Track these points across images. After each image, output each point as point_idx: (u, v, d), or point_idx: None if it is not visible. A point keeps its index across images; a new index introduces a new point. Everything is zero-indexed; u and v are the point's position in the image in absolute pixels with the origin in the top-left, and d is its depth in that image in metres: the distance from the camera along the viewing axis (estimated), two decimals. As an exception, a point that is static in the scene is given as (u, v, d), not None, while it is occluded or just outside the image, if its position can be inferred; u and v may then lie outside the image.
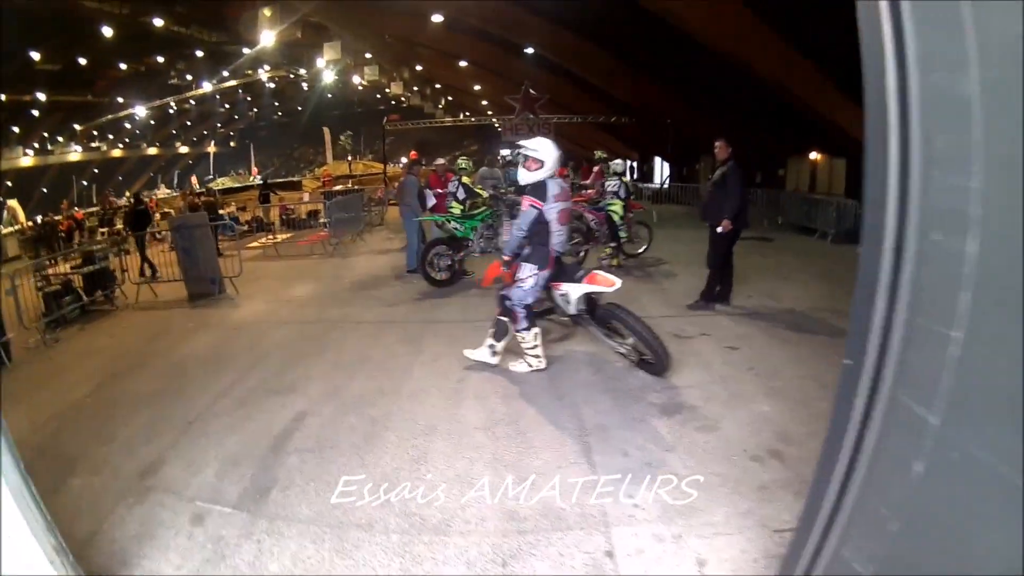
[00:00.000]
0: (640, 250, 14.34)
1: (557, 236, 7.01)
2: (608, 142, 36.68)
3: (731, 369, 7.27)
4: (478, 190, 13.43)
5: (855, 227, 15.10)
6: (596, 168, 17.52)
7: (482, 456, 5.49)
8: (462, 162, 13.95)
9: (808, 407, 6.01)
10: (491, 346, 7.55)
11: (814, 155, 22.88)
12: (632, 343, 7.15)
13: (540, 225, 6.91)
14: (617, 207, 13.18)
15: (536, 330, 7.30)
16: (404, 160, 44.82)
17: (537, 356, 7.34)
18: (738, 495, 4.63)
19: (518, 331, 7.25)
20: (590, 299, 7.34)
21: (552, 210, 6.88)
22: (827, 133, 19.35)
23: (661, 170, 38.02)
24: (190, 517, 4.80)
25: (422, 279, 12.39)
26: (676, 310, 9.79)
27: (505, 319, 7.34)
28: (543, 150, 6.92)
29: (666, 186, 30.55)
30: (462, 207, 12.74)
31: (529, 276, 6.99)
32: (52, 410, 7.28)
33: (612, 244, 13.24)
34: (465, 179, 13.24)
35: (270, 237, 21.67)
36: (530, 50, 29.70)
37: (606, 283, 6.82)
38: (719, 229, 9.12)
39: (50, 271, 13.10)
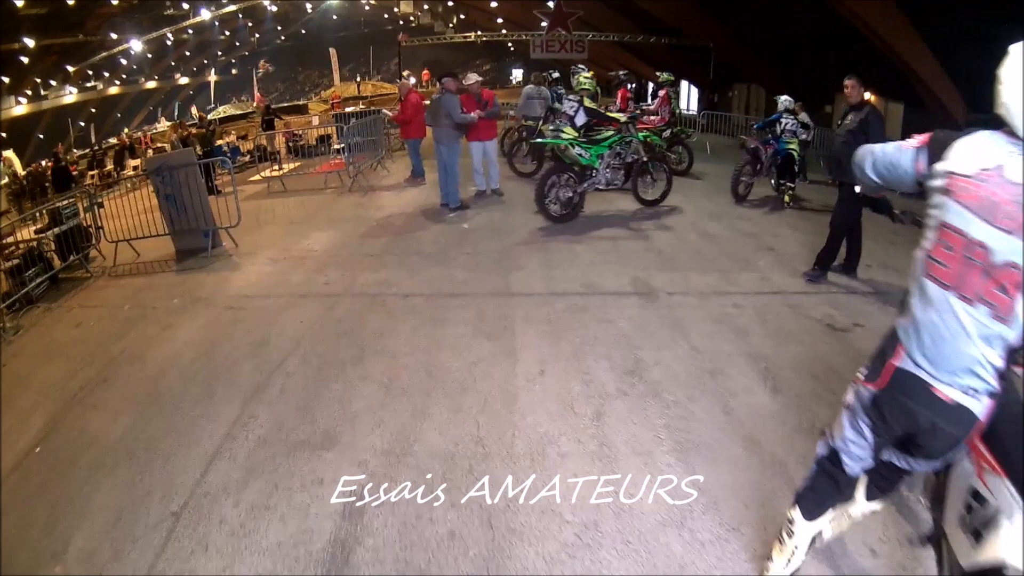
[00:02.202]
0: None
1: None
2: (630, 62, 32.96)
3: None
4: (612, 114, 11.06)
5: None
6: (662, 92, 14.53)
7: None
8: (584, 80, 11.64)
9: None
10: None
11: (868, 95, 19.07)
12: None
13: None
14: (795, 145, 11.94)
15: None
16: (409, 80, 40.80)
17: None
18: None
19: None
20: None
21: None
22: (887, 72, 16.42)
23: (689, 95, 34.31)
24: None
25: (459, 216, 10.78)
26: (798, 280, 7.57)
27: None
28: None
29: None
30: (577, 133, 10.07)
31: None
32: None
33: (790, 184, 11.81)
34: (588, 101, 10.58)
35: (275, 168, 18.03)
36: None
37: None
38: (857, 189, 6.11)
39: (10, 239, 10.17)
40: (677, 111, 15.30)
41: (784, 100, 12.36)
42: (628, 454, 4.11)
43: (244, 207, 10.18)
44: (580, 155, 9.82)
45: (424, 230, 10.08)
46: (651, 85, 31.63)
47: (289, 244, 9.81)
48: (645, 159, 10.68)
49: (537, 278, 7.68)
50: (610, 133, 10.25)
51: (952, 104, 14.74)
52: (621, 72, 15.54)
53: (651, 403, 4.76)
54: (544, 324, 6.28)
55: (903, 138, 2.65)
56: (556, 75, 15.61)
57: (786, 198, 11.66)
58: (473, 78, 11.94)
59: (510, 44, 63.30)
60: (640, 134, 10.94)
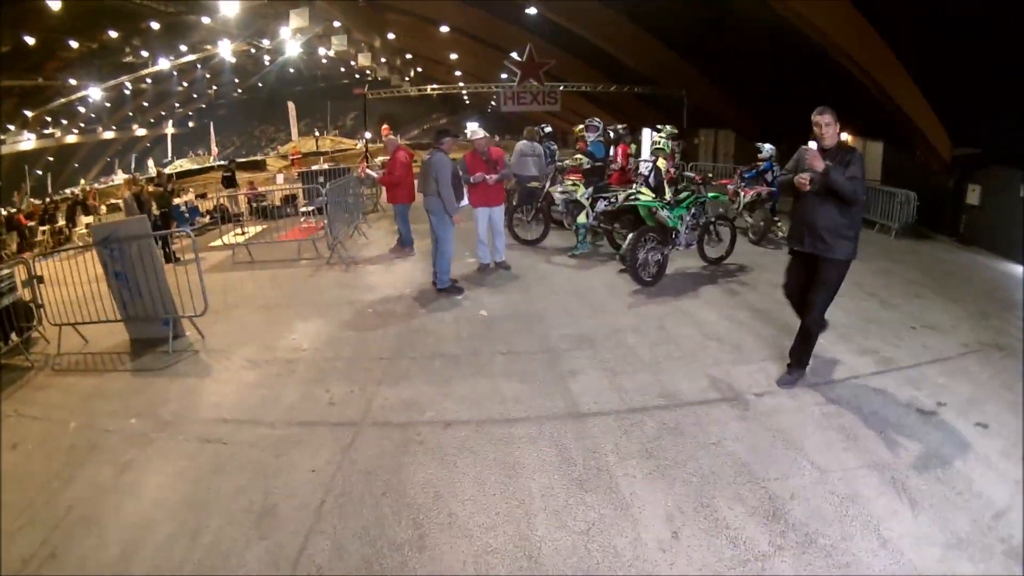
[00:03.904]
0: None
1: None
2: (594, 112, 31.47)
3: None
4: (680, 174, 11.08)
5: (917, 221, 13.82)
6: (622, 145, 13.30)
7: None
8: (660, 140, 11.07)
9: None
10: None
11: (845, 135, 18.09)
12: None
13: None
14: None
15: None
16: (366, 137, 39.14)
17: None
18: None
19: None
20: None
21: None
22: (866, 111, 15.61)
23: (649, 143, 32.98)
24: None
25: (470, 301, 9.07)
26: (867, 359, 6.78)
27: None
28: None
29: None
30: (655, 194, 9.65)
31: None
32: None
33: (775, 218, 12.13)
34: (661, 162, 10.22)
35: (239, 232, 15.97)
36: (532, 10, 24.66)
37: None
38: (838, 256, 5.71)
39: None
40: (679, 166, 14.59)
41: (768, 148, 12.68)
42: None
43: (207, 282, 8.16)
44: (668, 217, 9.35)
45: (436, 321, 8.23)
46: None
47: (269, 339, 7.86)
48: (713, 218, 10.34)
49: (603, 387, 6.11)
50: (687, 195, 9.78)
51: (937, 140, 13.82)
52: (620, 127, 14.02)
53: (812, 555, 3.86)
54: (645, 459, 4.86)
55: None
56: (548, 129, 14.16)
57: (780, 233, 12.11)
58: (479, 133, 10.20)
59: (465, 97, 62.57)
60: (710, 194, 10.50)
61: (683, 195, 9.78)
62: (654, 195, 9.55)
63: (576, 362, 6.69)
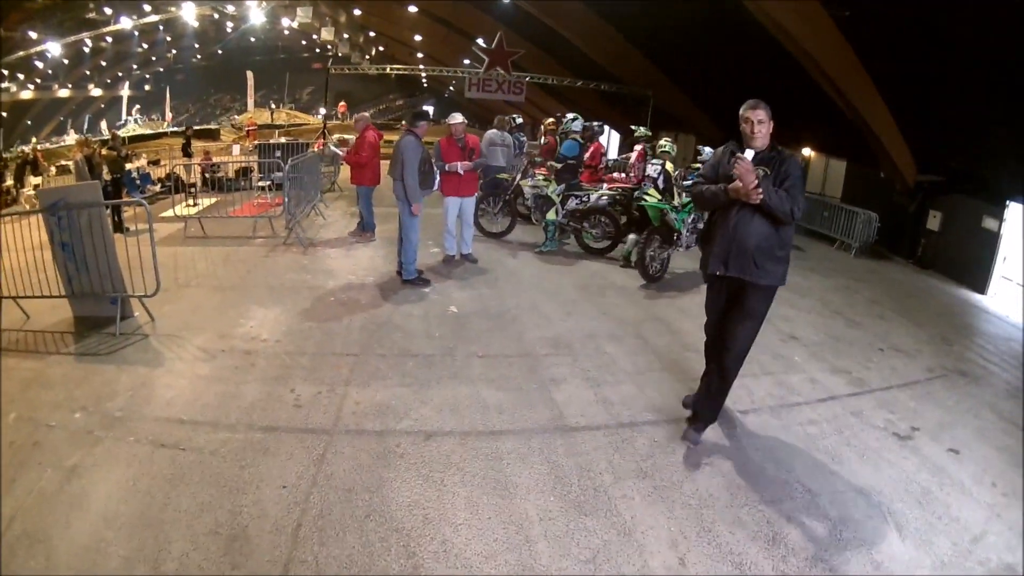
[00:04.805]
0: None
1: None
2: (555, 106, 31.46)
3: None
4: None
5: (877, 241, 14.18)
6: (639, 148, 12.66)
7: None
8: (666, 143, 10.65)
9: None
10: None
11: (807, 151, 18.64)
12: None
13: None
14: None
15: None
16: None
17: None
18: None
19: None
20: None
21: None
22: (832, 127, 15.86)
23: (609, 141, 32.69)
24: None
25: (437, 293, 8.64)
26: (840, 378, 6.90)
27: None
28: None
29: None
30: (660, 196, 9.68)
31: None
32: None
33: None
34: (669, 165, 10.12)
35: (191, 203, 15.12)
36: None
37: None
38: (770, 282, 4.79)
39: None
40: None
41: (708, 152, 11.99)
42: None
43: (158, 257, 7.49)
44: (676, 220, 9.55)
45: (403, 315, 7.73)
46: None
47: (225, 325, 7.22)
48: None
49: (588, 398, 5.81)
50: (689, 200, 9.76)
51: (903, 164, 14.03)
52: (595, 123, 13.67)
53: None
54: (641, 479, 4.62)
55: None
56: (520, 120, 13.73)
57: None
58: (457, 118, 9.69)
59: (423, 80, 61.57)
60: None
61: (687, 199, 9.80)
62: (660, 197, 9.62)
63: (557, 369, 6.34)
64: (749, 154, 4.48)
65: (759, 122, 4.49)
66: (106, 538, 3.78)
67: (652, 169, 9.98)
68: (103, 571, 3.54)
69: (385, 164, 10.57)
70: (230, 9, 49.88)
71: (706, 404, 5.08)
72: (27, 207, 15.17)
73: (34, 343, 6.75)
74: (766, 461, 4.99)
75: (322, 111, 41.10)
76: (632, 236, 10.08)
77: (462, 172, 9.34)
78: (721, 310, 4.90)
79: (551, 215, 10.73)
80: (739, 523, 4.21)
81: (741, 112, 4.57)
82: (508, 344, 6.92)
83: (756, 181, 4.30)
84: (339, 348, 6.67)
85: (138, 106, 64.86)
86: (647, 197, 9.60)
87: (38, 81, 55.30)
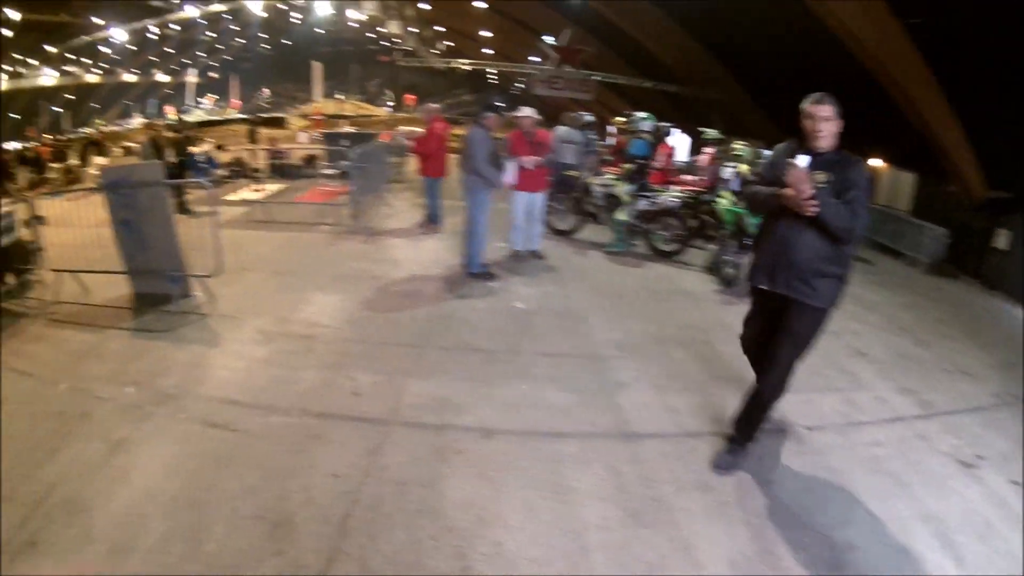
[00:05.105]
0: None
1: None
2: (619, 105, 30.93)
3: None
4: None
5: (947, 258, 13.33)
6: (710, 151, 12.69)
7: None
8: (740, 147, 10.57)
9: None
10: None
11: (875, 162, 17.70)
12: None
13: None
14: None
15: None
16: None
17: None
18: None
19: None
20: None
21: None
22: (901, 139, 15.06)
23: (677, 143, 32.56)
24: None
25: (503, 288, 8.42)
26: (907, 399, 6.42)
27: None
28: None
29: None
30: (735, 200, 9.29)
31: None
32: None
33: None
34: (743, 167, 9.68)
35: (257, 187, 15.34)
36: None
37: None
38: (818, 302, 4.22)
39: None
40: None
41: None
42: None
43: (221, 241, 7.56)
44: (751, 224, 8.82)
45: (468, 308, 7.57)
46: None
47: (285, 310, 7.19)
48: None
49: (653, 404, 5.52)
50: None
51: (972, 180, 13.42)
52: (665, 124, 13.34)
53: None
54: (703, 492, 4.35)
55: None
56: (589, 118, 13.50)
57: None
58: (527, 112, 9.51)
59: (491, 76, 61.79)
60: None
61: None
62: (736, 201, 9.30)
63: (622, 372, 6.08)
64: (803, 160, 3.94)
65: (824, 119, 3.98)
66: (146, 513, 3.73)
67: (727, 172, 9.78)
68: (140, 546, 3.50)
69: (452, 157, 10.49)
70: (298, 1, 50.74)
71: (743, 425, 4.67)
72: (90, 185, 15.57)
73: (91, 316, 6.82)
74: (831, 482, 4.75)
75: (389, 104, 41.51)
76: (716, 245, 9.80)
77: (530, 167, 9.16)
78: (763, 328, 4.50)
79: (620, 215, 10.50)
80: (801, 546, 3.99)
81: (803, 106, 4.06)
82: (574, 344, 6.71)
83: (811, 191, 3.82)
84: (401, 339, 6.55)
85: (209, 93, 66.52)
86: (721, 200, 9.45)
87: (104, 66, 57.06)
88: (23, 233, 7.83)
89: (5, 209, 7.81)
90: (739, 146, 10.38)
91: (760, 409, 4.52)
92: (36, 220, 7.71)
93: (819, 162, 3.96)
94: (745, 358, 4.84)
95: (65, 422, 4.68)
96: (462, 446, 4.60)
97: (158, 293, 7.25)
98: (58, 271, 7.46)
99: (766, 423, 4.68)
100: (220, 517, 3.72)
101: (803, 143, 4.11)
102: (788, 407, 5.53)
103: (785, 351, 4.27)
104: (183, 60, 65.42)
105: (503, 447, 4.64)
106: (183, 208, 11.53)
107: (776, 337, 4.30)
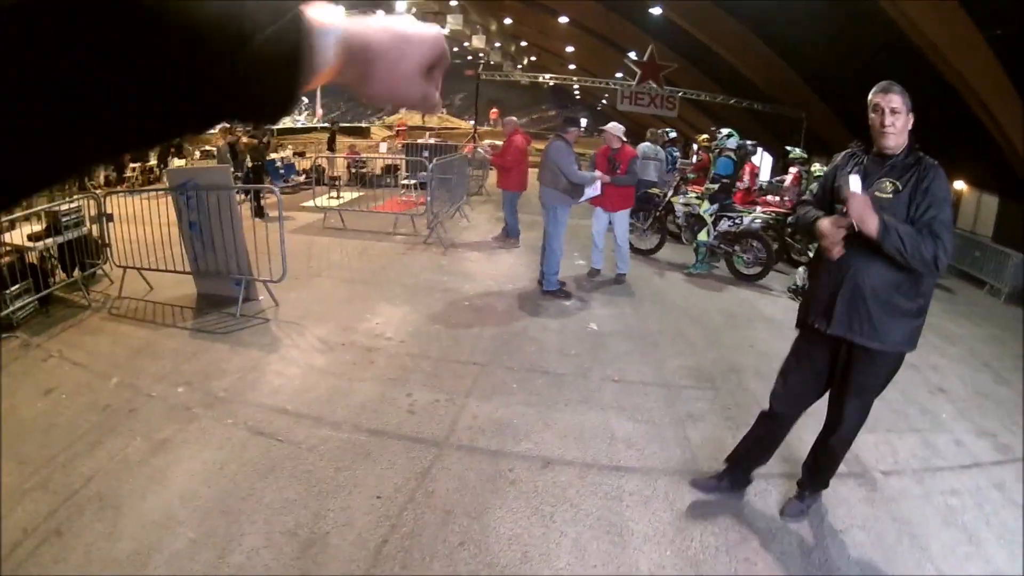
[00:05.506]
0: None
1: None
2: (703, 123, 30.64)
3: None
4: None
5: None
6: (794, 170, 12.57)
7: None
8: (817, 166, 10.65)
9: None
10: None
11: (959, 184, 17.01)
12: None
13: None
14: None
15: None
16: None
17: None
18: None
19: None
20: None
21: None
22: (982, 160, 14.55)
23: (761, 162, 32.17)
24: None
25: (577, 307, 8.27)
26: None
27: None
28: None
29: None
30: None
31: None
32: None
33: None
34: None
35: (334, 195, 15.52)
36: (657, 10, 23.69)
37: None
38: (889, 347, 3.56)
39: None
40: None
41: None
42: None
43: (292, 244, 7.67)
44: None
45: (539, 327, 7.35)
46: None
47: (350, 319, 7.11)
48: None
49: (725, 440, 5.09)
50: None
51: None
52: (749, 143, 12.98)
53: None
54: (767, 540, 4.02)
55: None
56: (673, 134, 13.28)
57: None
58: (612, 127, 9.30)
59: (576, 91, 61.89)
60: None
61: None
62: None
63: (695, 404, 5.78)
64: (856, 184, 3.34)
65: (892, 111, 3.34)
66: (178, 517, 3.66)
67: (809, 194, 9.41)
68: (165, 548, 3.43)
69: (532, 172, 10.38)
70: (380, 14, 51.93)
71: (812, 474, 4.23)
72: (159, 186, 16.02)
73: (152, 314, 6.90)
74: (902, 535, 4.40)
75: (473, 119, 41.85)
76: (803, 268, 9.40)
77: (598, 184, 8.89)
78: (810, 376, 3.94)
79: (702, 236, 10.20)
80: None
81: (870, 98, 3.44)
82: (646, 370, 6.43)
83: (876, 222, 3.22)
84: (465, 356, 6.38)
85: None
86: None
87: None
88: (90, 229, 8.00)
89: (74, 205, 7.99)
90: (818, 167, 10.17)
91: (830, 461, 4.12)
92: (104, 217, 7.88)
93: (888, 167, 3.44)
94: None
95: (111, 416, 4.70)
96: (516, 475, 4.37)
97: (222, 295, 7.31)
98: (124, 267, 7.57)
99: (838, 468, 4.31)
100: (252, 529, 3.60)
101: (869, 147, 3.62)
102: (864, 447, 5.25)
103: (854, 408, 3.77)
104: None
105: (560, 479, 4.39)
106: (259, 212, 11.73)
107: (839, 389, 3.79)
